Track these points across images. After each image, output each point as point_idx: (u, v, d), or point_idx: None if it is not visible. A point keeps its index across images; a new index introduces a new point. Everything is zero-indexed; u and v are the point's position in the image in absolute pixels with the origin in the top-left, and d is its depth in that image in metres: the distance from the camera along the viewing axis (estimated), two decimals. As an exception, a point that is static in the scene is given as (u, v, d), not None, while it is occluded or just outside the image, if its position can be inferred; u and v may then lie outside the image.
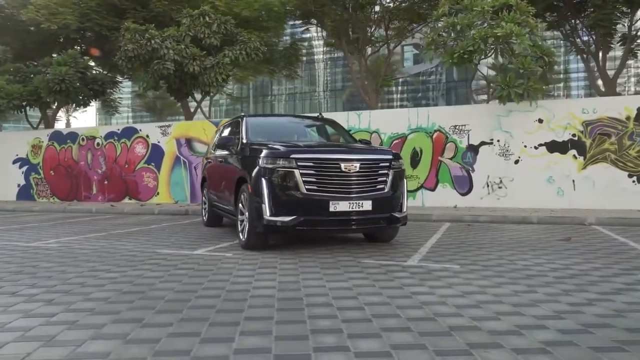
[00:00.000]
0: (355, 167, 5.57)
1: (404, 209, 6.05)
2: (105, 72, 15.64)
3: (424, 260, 5.12)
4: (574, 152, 10.34)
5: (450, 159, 11.20)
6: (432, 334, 2.83)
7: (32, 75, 14.08)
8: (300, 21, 16.56)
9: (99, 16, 15.02)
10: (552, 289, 3.89)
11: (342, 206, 5.47)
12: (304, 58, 18.53)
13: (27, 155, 15.17)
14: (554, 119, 10.48)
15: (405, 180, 6.15)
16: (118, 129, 14.13)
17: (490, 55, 10.59)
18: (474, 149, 11.05)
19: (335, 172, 5.51)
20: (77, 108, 16.17)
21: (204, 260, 5.19)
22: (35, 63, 14.75)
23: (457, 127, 11.17)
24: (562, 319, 3.10)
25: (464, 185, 11.10)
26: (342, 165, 5.52)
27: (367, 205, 5.58)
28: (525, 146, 10.66)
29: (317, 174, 5.49)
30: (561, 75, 35.30)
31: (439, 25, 10.85)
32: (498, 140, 10.86)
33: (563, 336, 2.79)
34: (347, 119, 12.00)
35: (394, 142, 11.59)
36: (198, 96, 15.38)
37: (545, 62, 10.56)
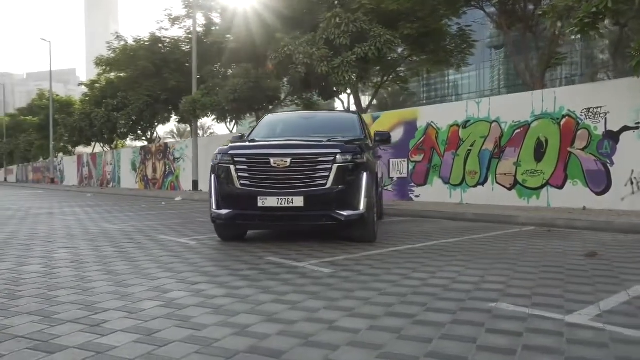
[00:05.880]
0: (286, 162, 5.39)
1: (360, 207, 5.47)
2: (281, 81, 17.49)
3: (330, 265, 4.59)
4: None
5: (583, 149, 9.06)
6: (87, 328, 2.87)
7: (217, 89, 16.95)
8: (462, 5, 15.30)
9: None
10: (332, 304, 3.21)
11: (270, 202, 5.38)
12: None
13: (223, 155, 18.26)
14: None
15: (363, 176, 5.53)
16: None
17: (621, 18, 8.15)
18: (613, 137, 8.70)
19: (264, 167, 5.48)
20: (255, 113, 18.43)
21: (173, 247, 5.73)
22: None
23: (590, 109, 8.96)
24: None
25: (600, 183, 8.84)
26: (272, 160, 5.43)
27: (299, 201, 5.33)
28: (686, 130, 7.88)
29: (249, 170, 5.56)
30: None
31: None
32: (646, 125, 8.29)
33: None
34: (466, 108, 10.85)
35: (516, 132, 9.97)
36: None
37: None
